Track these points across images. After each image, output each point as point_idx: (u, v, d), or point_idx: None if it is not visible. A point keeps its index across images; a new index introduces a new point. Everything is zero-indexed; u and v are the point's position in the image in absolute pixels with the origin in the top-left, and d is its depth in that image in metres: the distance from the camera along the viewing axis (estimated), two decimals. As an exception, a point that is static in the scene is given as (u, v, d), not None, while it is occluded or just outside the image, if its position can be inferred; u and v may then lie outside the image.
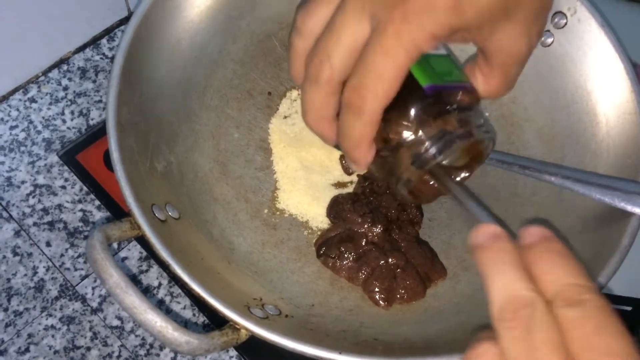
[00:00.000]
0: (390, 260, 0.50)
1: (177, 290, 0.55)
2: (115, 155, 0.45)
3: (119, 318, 0.54)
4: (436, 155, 0.37)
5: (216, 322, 0.54)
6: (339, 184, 0.56)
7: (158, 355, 0.53)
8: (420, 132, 0.37)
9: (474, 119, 0.39)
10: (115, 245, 0.56)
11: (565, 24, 0.54)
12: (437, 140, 0.37)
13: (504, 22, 0.37)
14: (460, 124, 0.38)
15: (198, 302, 0.54)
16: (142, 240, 0.55)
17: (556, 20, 0.54)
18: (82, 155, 0.59)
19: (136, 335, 0.53)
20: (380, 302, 0.49)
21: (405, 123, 0.37)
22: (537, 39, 0.40)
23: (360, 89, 0.35)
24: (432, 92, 0.37)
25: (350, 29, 0.36)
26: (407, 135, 0.37)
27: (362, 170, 0.40)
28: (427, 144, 0.37)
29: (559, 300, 0.26)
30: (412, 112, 0.37)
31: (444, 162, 0.39)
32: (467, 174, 0.41)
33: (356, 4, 0.35)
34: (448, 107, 0.38)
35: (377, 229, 0.51)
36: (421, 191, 0.42)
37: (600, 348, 0.25)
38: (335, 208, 0.53)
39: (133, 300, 0.38)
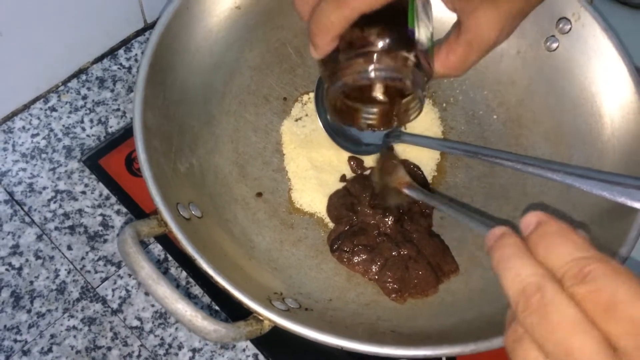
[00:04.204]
0: (402, 251, 0.52)
1: (194, 291, 0.56)
2: (142, 156, 0.46)
3: (139, 319, 0.55)
4: (380, 76, 0.39)
5: (234, 320, 0.55)
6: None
7: (177, 354, 0.54)
8: (382, 56, 0.39)
9: (422, 82, 0.41)
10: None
11: (570, 29, 0.55)
12: (390, 69, 0.39)
13: (489, 6, 0.40)
14: (412, 74, 0.40)
15: (217, 300, 0.56)
16: (163, 241, 0.57)
17: (561, 25, 0.56)
18: (104, 160, 0.60)
19: (155, 336, 0.54)
20: (393, 293, 0.51)
21: (376, 39, 0.39)
22: (506, 37, 0.42)
23: None
24: (410, 36, 0.39)
25: None
26: (370, 49, 0.39)
27: (316, 56, 0.41)
28: (380, 64, 0.39)
29: (567, 279, 0.26)
30: (389, 35, 0.39)
31: (375, 84, 0.42)
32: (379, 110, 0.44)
33: None
34: (410, 57, 0.40)
35: (389, 221, 0.53)
36: (345, 111, 0.44)
37: (623, 318, 0.25)
38: (344, 202, 0.55)
39: (165, 290, 0.39)
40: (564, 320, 0.26)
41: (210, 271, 0.43)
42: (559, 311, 0.26)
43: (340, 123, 0.45)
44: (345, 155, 0.58)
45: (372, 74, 0.39)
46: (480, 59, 0.43)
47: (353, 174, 0.57)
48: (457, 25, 0.42)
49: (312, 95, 0.59)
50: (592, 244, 0.28)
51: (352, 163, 0.58)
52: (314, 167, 0.57)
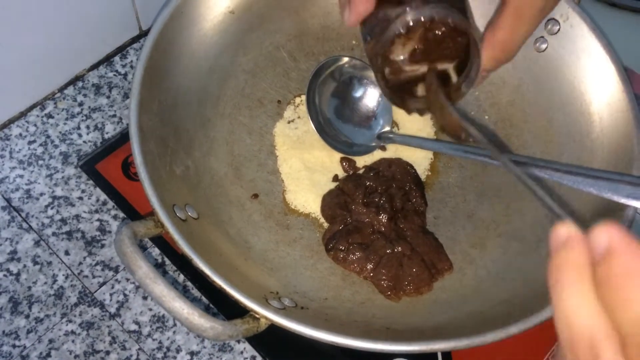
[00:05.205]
0: (396, 248, 0.52)
1: (192, 294, 0.56)
2: (138, 159, 0.47)
3: (137, 323, 0.55)
4: (431, 14, 0.38)
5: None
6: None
7: (175, 357, 0.54)
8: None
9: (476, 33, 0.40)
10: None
11: (559, 30, 0.56)
12: (441, 7, 0.38)
13: None
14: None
15: (215, 302, 0.56)
16: (160, 244, 0.58)
17: (549, 26, 0.56)
18: (101, 165, 0.60)
19: (153, 339, 0.54)
20: (388, 290, 0.51)
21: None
22: (551, 9, 0.41)
23: None
24: None
25: None
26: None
27: (353, 20, 0.40)
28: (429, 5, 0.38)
29: (633, 345, 0.21)
30: None
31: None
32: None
33: None
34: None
35: (383, 218, 0.53)
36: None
37: None
38: (337, 201, 0.55)
39: (162, 289, 0.40)
40: None
41: (207, 270, 0.44)
42: None
43: (392, 102, 0.44)
44: (337, 155, 0.58)
45: (425, 12, 0.38)
46: (529, 33, 0.40)
47: (345, 174, 0.58)
48: (501, 3, 0.40)
49: (304, 97, 0.59)
50: None
51: (344, 164, 0.58)
52: (306, 168, 0.58)
